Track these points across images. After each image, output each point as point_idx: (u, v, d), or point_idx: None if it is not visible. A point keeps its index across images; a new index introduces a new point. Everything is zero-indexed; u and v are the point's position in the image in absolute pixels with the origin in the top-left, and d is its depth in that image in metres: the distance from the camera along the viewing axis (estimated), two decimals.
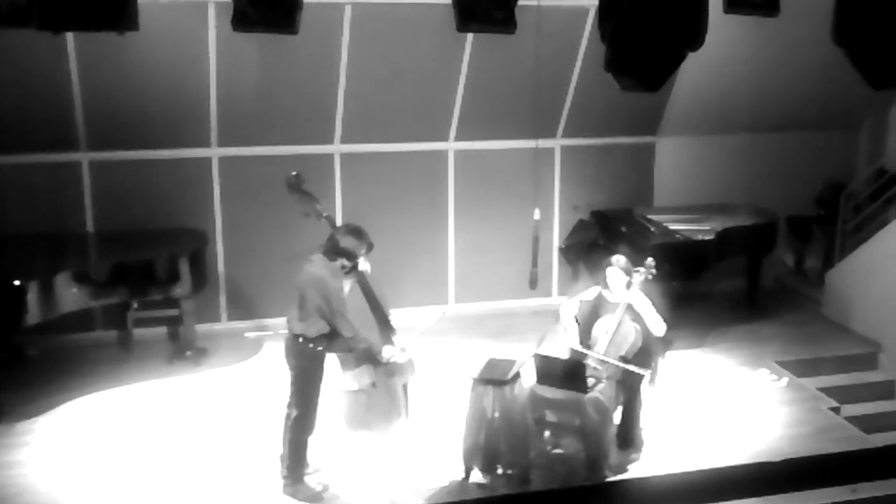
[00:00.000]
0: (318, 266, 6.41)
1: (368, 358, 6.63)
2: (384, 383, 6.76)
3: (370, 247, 6.55)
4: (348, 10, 8.82)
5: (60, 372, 8.57)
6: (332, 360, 6.64)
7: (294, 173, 7.06)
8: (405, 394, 6.92)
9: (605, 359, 6.93)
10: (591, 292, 7.44)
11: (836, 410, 8.37)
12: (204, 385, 8.52)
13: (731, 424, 7.92)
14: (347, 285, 6.81)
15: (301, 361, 6.44)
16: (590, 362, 6.95)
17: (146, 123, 9.03)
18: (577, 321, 7.33)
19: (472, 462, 6.79)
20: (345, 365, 6.73)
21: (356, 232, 6.51)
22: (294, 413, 6.50)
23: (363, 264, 6.83)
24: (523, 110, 9.64)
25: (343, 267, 6.41)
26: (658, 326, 7.15)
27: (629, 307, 7.11)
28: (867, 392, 9.11)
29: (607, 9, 5.11)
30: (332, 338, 6.39)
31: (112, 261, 8.46)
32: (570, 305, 7.43)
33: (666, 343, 7.69)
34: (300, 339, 6.38)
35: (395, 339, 6.84)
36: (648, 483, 3.15)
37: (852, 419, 8.29)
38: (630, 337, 7.02)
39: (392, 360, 6.61)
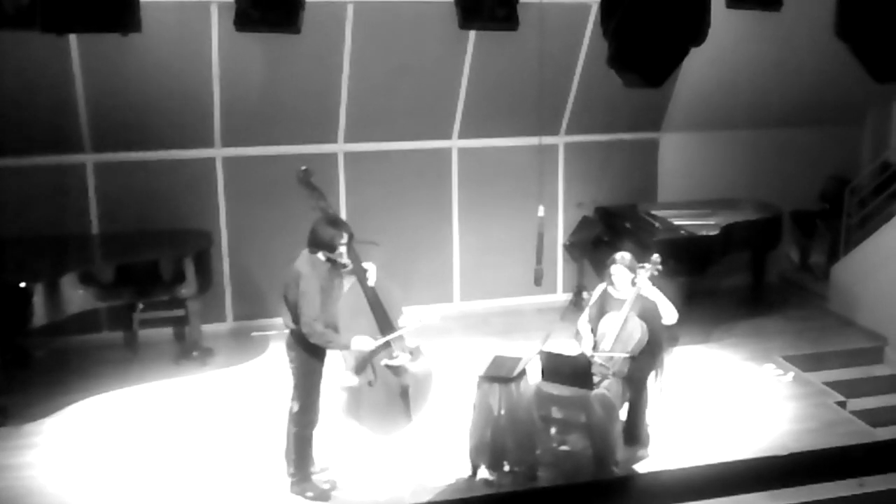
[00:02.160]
0: (300, 261, 6.43)
1: (364, 356, 6.64)
2: (382, 383, 6.75)
3: (351, 236, 6.52)
4: (350, 9, 8.82)
5: (67, 373, 8.59)
6: (335, 356, 6.65)
7: (303, 167, 7.08)
8: (405, 397, 6.89)
9: (612, 354, 6.93)
10: (596, 292, 7.45)
11: (842, 405, 8.36)
12: (210, 385, 8.54)
13: (737, 420, 7.91)
14: (347, 283, 6.80)
15: (300, 355, 6.45)
16: (596, 359, 6.95)
17: (150, 124, 9.05)
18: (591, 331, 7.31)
19: (478, 460, 6.79)
20: (345, 360, 6.74)
21: (334, 222, 6.51)
22: (296, 407, 6.51)
23: (370, 268, 6.83)
24: (526, 107, 9.64)
25: (328, 260, 6.42)
26: (670, 314, 7.15)
27: (635, 302, 7.11)
28: (873, 386, 9.10)
29: (610, 4, 5.09)
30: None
31: (117, 262, 8.46)
32: (584, 316, 7.43)
33: (672, 339, 7.69)
34: (297, 333, 6.40)
35: (397, 341, 6.85)
36: (655, 478, 3.16)
37: (859, 413, 8.28)
38: (636, 334, 7.01)
39: (361, 349, 6.54)
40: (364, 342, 6.49)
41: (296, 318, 6.34)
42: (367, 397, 6.75)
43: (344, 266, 6.62)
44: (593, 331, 7.21)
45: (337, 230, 6.42)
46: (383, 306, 6.86)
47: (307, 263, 6.38)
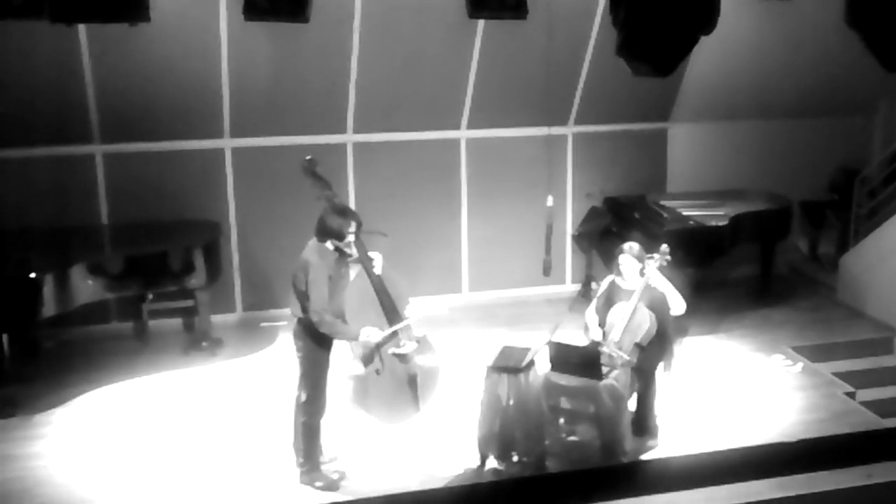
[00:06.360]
0: (308, 250, 6.43)
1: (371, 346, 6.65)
2: (389, 372, 6.77)
3: (359, 225, 6.51)
4: None
5: (76, 364, 8.62)
6: (342, 345, 6.66)
7: (308, 157, 7.09)
8: (413, 385, 6.90)
9: (618, 352, 6.91)
10: (603, 283, 7.44)
11: (851, 395, 8.35)
12: (219, 375, 8.55)
13: (746, 411, 7.90)
14: (353, 272, 6.81)
15: (307, 343, 6.45)
16: (604, 349, 6.94)
17: (159, 115, 9.05)
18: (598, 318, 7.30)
19: (487, 450, 6.80)
20: (353, 350, 6.75)
21: (342, 211, 6.51)
22: (303, 396, 6.52)
23: (376, 257, 6.83)
24: (535, 97, 9.64)
25: (336, 249, 6.42)
26: (678, 304, 7.14)
27: (644, 293, 7.09)
28: (882, 377, 9.06)
29: None
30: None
31: (126, 253, 8.47)
32: (592, 308, 7.42)
33: (681, 330, 7.68)
34: (304, 322, 6.40)
35: (404, 330, 6.85)
36: (662, 465, 3.15)
37: (868, 404, 8.27)
38: (644, 324, 7.00)
39: (368, 341, 6.54)
40: (372, 333, 6.49)
41: (304, 308, 6.34)
42: (375, 386, 6.77)
43: (352, 255, 6.63)
44: (601, 324, 7.20)
45: (345, 219, 6.41)
46: (390, 295, 6.87)
47: (315, 253, 6.38)
